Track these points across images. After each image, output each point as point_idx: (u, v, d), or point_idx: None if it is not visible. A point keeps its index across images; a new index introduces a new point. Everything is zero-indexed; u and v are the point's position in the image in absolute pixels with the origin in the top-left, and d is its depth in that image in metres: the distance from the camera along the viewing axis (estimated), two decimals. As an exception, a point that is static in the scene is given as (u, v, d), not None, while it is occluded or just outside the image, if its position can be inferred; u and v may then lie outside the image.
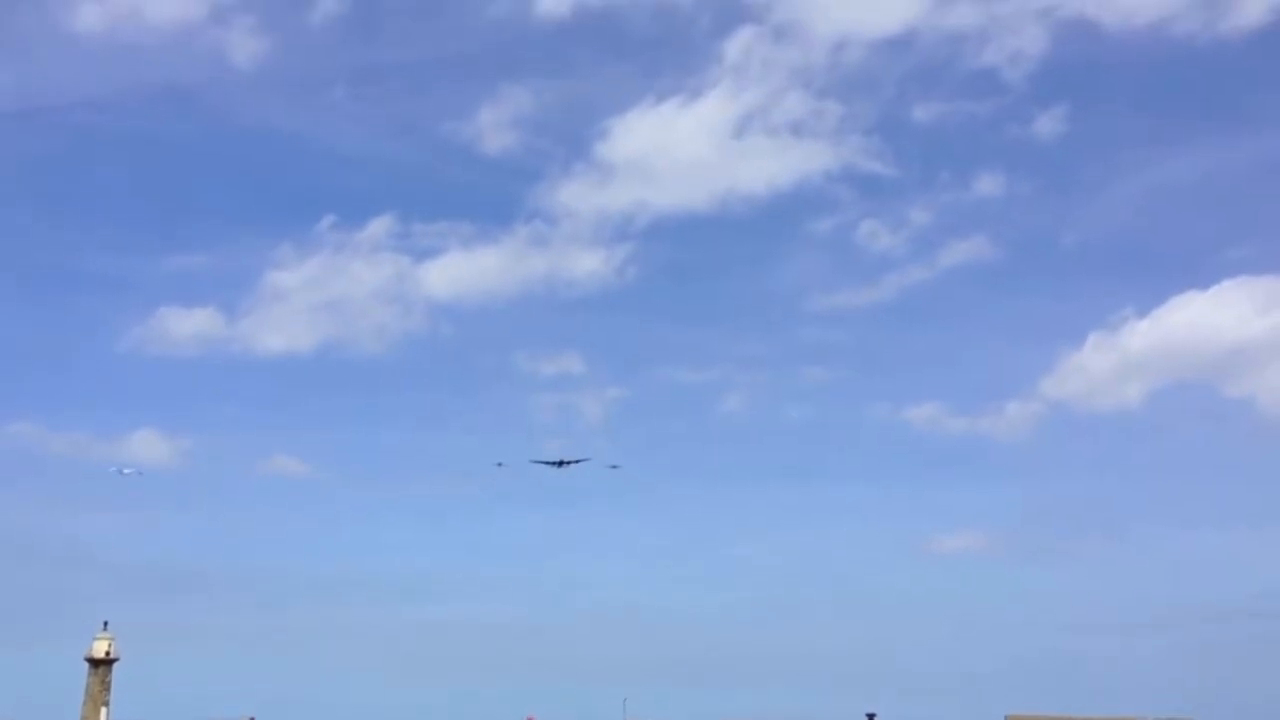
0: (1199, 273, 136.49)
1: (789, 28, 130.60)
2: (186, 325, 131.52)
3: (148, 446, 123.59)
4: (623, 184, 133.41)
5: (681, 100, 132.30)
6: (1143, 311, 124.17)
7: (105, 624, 69.25)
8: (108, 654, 69.04)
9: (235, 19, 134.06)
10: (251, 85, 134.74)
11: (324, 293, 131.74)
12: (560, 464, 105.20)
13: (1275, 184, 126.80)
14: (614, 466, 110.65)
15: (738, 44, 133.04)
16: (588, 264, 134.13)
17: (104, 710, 68.39)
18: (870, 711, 69.38)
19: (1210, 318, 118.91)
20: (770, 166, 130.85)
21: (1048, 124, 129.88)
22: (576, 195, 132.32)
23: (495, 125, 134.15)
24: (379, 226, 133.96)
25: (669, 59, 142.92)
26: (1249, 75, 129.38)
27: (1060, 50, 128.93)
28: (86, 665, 69.13)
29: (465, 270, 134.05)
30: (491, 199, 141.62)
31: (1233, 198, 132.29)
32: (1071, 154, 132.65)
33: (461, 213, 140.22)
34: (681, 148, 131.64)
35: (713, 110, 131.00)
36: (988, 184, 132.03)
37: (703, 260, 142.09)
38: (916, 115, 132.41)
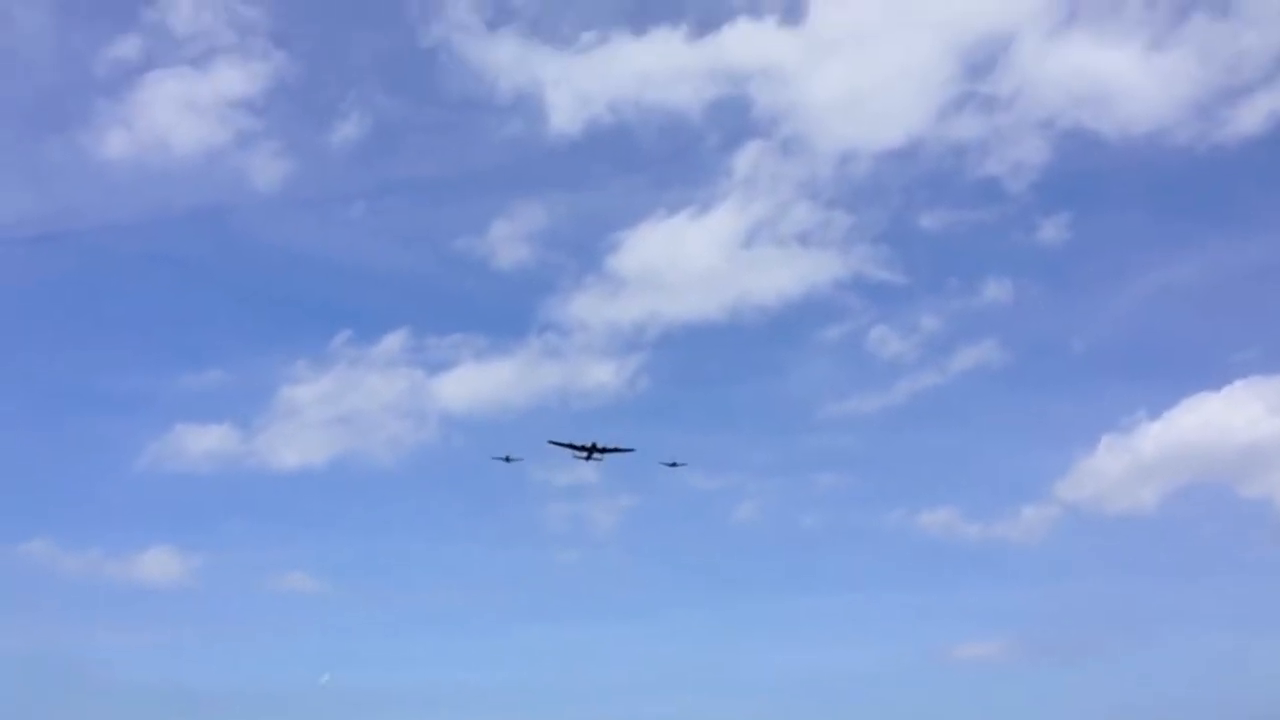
0: (1210, 374, 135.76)
1: (796, 142, 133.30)
2: (202, 442, 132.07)
3: (160, 564, 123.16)
4: (634, 295, 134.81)
5: (692, 212, 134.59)
6: (1155, 413, 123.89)
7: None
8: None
9: (259, 144, 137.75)
10: (272, 206, 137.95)
11: (338, 407, 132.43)
12: (590, 452, 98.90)
13: (1275, 287, 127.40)
14: (673, 464, 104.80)
15: (746, 158, 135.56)
16: (600, 375, 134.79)
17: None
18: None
19: (1223, 419, 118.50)
20: (780, 276, 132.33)
21: (1052, 230, 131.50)
22: (588, 307, 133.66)
23: (508, 239, 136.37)
24: (393, 341, 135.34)
25: (679, 173, 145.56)
26: (1249, 180, 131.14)
27: (1061, 159, 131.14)
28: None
29: (478, 382, 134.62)
30: (504, 312, 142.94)
31: (1239, 299, 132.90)
32: (1077, 259, 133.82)
33: (475, 326, 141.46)
34: (692, 259, 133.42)
35: (722, 222, 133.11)
36: (995, 289, 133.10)
37: (714, 369, 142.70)
38: (923, 223, 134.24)
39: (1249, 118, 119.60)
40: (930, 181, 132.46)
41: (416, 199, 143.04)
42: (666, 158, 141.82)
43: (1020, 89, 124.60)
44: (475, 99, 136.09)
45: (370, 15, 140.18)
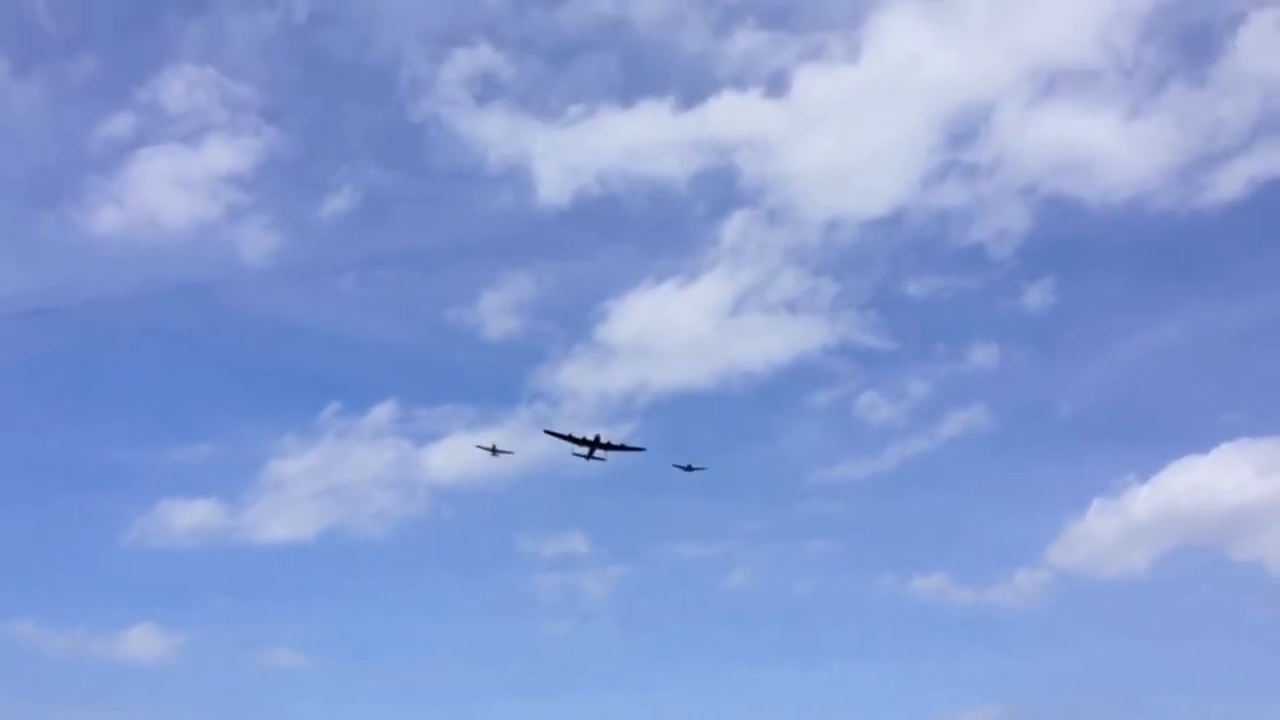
0: (1197, 437, 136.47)
1: (782, 211, 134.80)
2: (188, 517, 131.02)
3: (145, 642, 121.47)
4: (623, 364, 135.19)
5: (680, 281, 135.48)
6: (1144, 477, 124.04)
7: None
8: None
9: (249, 218, 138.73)
10: (262, 279, 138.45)
11: (326, 480, 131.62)
12: (592, 448, 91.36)
13: (1262, 347, 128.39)
14: (687, 468, 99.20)
15: (733, 227, 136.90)
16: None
17: None
18: None
19: (1212, 482, 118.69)
20: (768, 343, 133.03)
21: (1037, 296, 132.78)
22: (577, 376, 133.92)
23: (497, 310, 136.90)
24: (382, 412, 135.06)
25: (667, 242, 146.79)
26: (1230, 244, 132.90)
27: (1044, 225, 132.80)
28: None
29: (467, 453, 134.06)
30: (493, 382, 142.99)
31: (1223, 362, 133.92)
32: (1062, 323, 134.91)
33: (464, 396, 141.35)
34: (680, 327, 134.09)
35: (710, 290, 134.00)
36: (982, 355, 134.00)
37: (704, 437, 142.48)
38: (910, 290, 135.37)
39: (1228, 184, 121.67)
40: (916, 248, 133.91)
41: (406, 270, 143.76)
42: (654, 227, 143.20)
43: (1002, 157, 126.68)
44: (464, 171, 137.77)
45: (361, 91, 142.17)
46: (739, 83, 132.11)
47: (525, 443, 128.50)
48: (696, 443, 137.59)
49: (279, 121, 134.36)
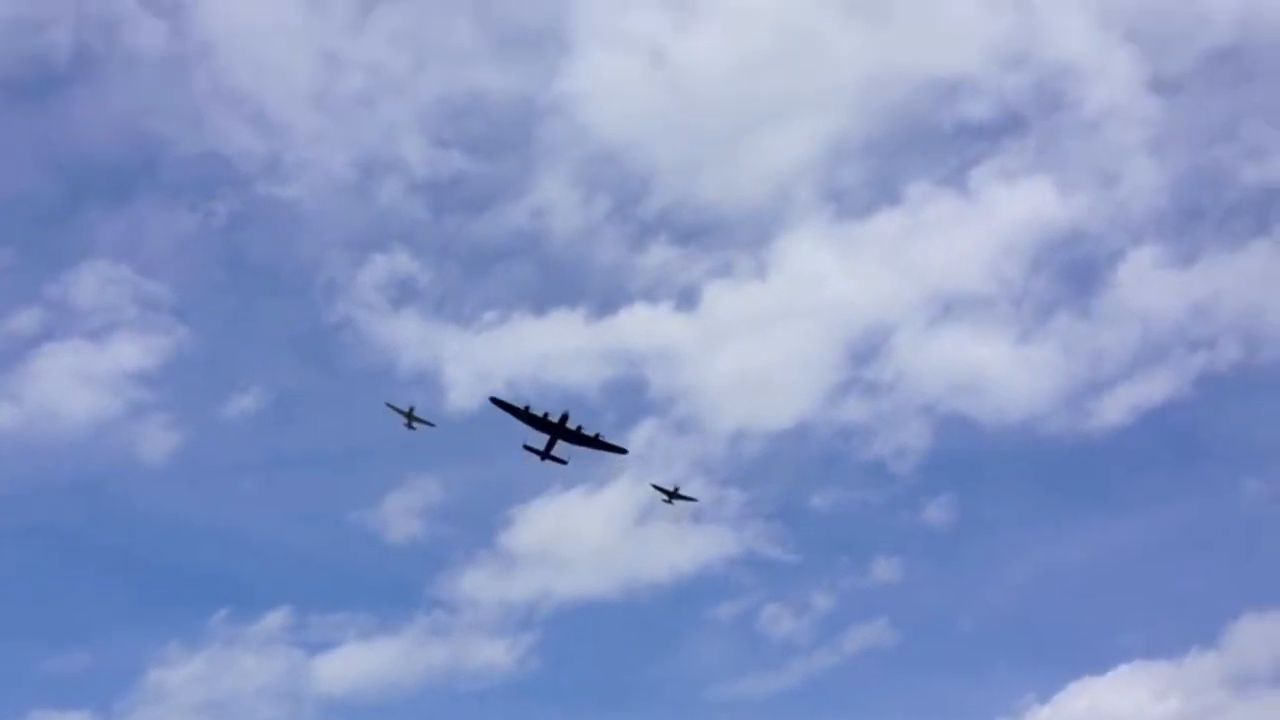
0: (1095, 658, 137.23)
1: (690, 421, 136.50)
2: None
3: None
4: (526, 572, 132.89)
5: (587, 489, 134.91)
6: (1044, 697, 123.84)
7: None
8: None
9: (150, 415, 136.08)
10: (159, 479, 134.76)
11: (209, 691, 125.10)
12: (554, 437, 74.71)
13: (1151, 569, 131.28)
14: (674, 490, 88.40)
15: (641, 435, 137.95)
16: (489, 654, 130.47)
17: None
18: None
19: (1109, 704, 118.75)
20: (674, 553, 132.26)
21: (936, 512, 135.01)
22: (479, 584, 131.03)
23: (401, 513, 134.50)
24: (274, 619, 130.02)
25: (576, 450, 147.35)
26: (1118, 466, 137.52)
27: (942, 443, 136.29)
28: None
29: (362, 662, 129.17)
30: (393, 589, 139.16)
31: (1118, 582, 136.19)
32: (961, 540, 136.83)
33: (361, 603, 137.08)
34: (586, 536, 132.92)
35: (617, 498, 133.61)
36: (885, 569, 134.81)
37: (606, 649, 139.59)
38: (814, 502, 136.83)
39: (1112, 410, 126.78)
40: (820, 462, 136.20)
41: (311, 472, 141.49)
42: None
43: (902, 376, 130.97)
44: (376, 374, 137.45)
45: (277, 292, 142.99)
46: (650, 296, 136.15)
47: (422, 654, 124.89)
48: (599, 654, 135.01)
49: (190, 320, 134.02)
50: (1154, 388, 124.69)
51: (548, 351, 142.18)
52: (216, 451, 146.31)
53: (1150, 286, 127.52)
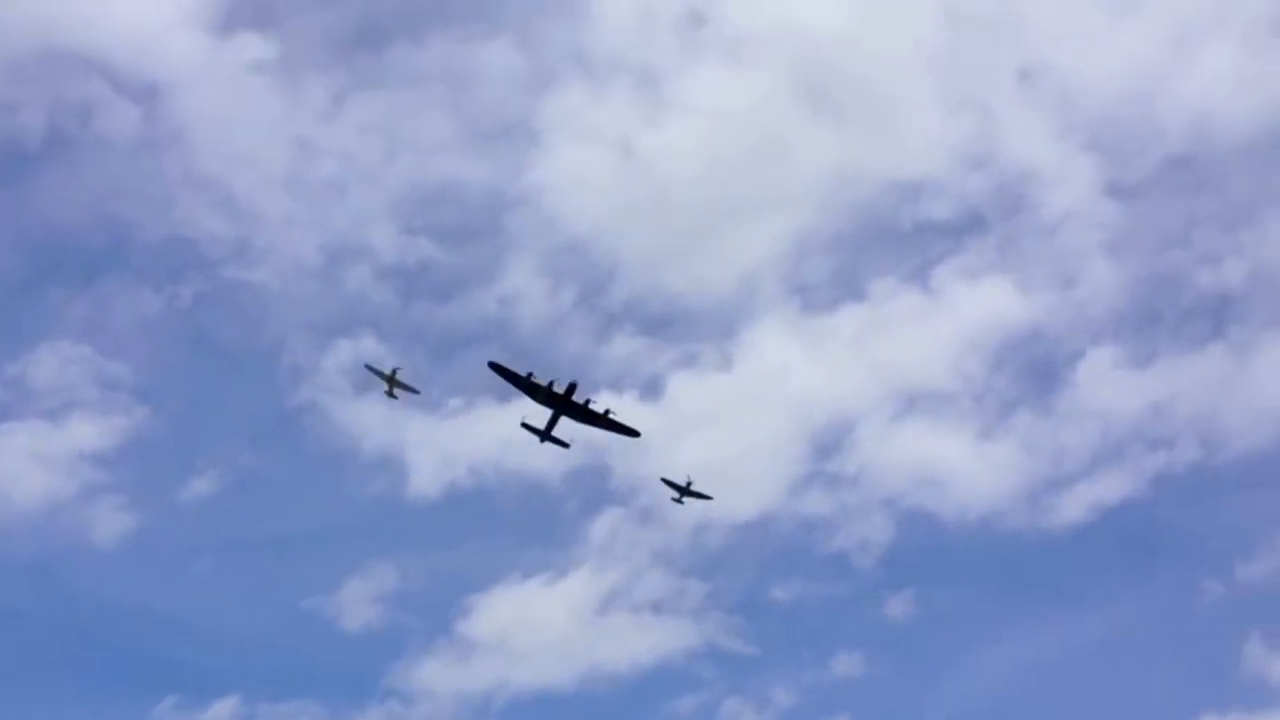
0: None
1: (653, 511, 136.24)
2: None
3: None
4: (484, 661, 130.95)
5: (547, 578, 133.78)
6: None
7: None
8: None
9: (105, 497, 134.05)
10: (111, 561, 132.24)
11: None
12: (557, 411, 66.55)
13: (1110, 667, 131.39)
14: (687, 486, 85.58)
15: (604, 525, 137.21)
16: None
17: None
18: None
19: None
20: (634, 644, 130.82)
21: (898, 606, 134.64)
22: (435, 674, 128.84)
23: (358, 600, 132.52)
24: (223, 708, 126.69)
25: (536, 538, 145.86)
26: (1077, 564, 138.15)
27: (904, 537, 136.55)
28: None
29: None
30: (347, 678, 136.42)
31: (1076, 680, 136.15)
32: (923, 635, 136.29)
33: (313, 692, 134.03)
34: (545, 625, 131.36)
35: (577, 588, 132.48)
36: (846, 664, 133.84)
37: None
38: (776, 595, 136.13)
39: (1072, 507, 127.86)
40: (782, 554, 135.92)
41: (267, 556, 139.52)
42: (524, 522, 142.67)
43: (865, 469, 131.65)
44: (337, 458, 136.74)
45: (240, 375, 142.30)
46: (615, 385, 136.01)
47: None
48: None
49: (151, 401, 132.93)
50: (1113, 486, 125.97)
51: (511, 439, 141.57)
52: (171, 535, 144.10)
53: (1109, 386, 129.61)
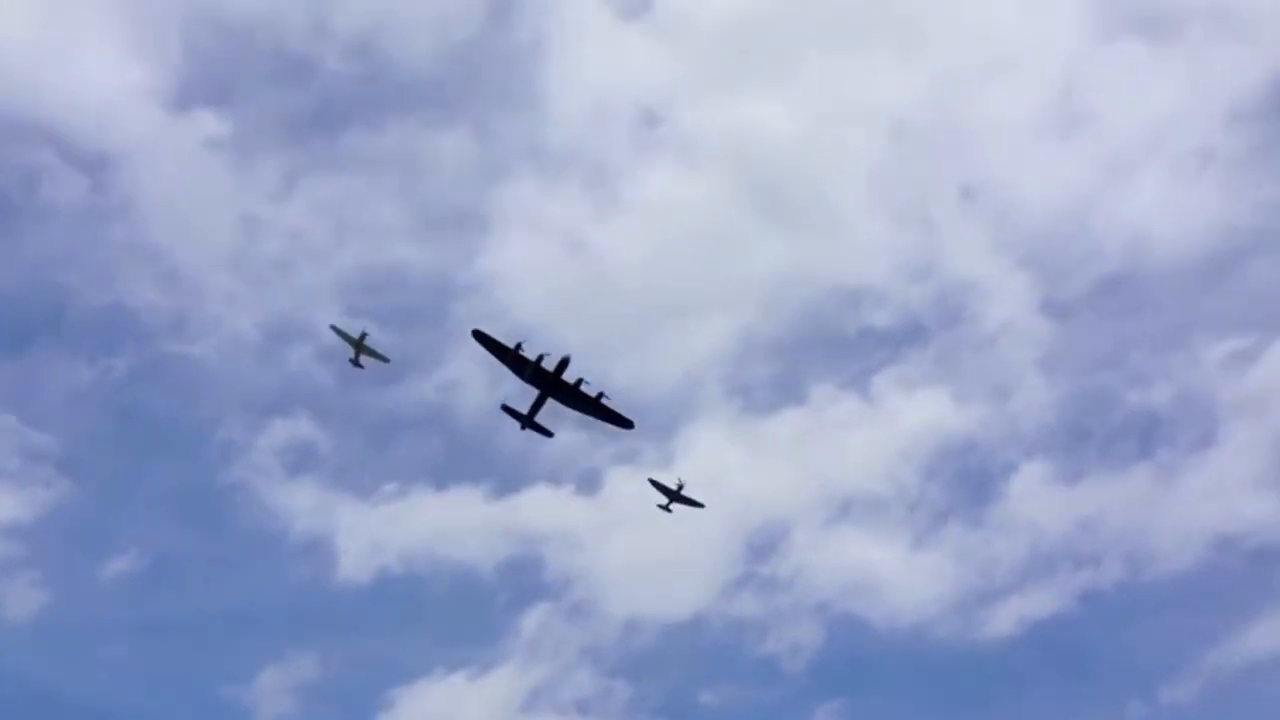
0: None
1: (584, 606, 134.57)
2: None
3: None
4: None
5: (472, 672, 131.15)
6: None
7: None
8: None
9: (19, 572, 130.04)
10: (20, 640, 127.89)
11: None
12: (544, 390, 58.86)
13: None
14: (678, 488, 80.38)
15: (533, 619, 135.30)
16: None
17: None
18: None
19: None
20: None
21: (825, 717, 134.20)
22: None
23: (276, 690, 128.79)
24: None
25: (464, 630, 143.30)
26: (1005, 676, 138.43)
27: (835, 643, 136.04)
28: None
29: None
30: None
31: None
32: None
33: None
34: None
35: (502, 683, 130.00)
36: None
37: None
38: (704, 699, 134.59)
39: (1002, 620, 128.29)
40: (712, 656, 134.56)
41: (186, 640, 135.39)
42: (453, 613, 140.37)
43: (799, 573, 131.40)
44: (265, 540, 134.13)
45: (169, 451, 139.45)
46: (553, 478, 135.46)
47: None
48: None
49: (75, 474, 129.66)
50: (1042, 601, 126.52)
51: (445, 527, 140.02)
52: (86, 613, 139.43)
53: (1039, 501, 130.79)
